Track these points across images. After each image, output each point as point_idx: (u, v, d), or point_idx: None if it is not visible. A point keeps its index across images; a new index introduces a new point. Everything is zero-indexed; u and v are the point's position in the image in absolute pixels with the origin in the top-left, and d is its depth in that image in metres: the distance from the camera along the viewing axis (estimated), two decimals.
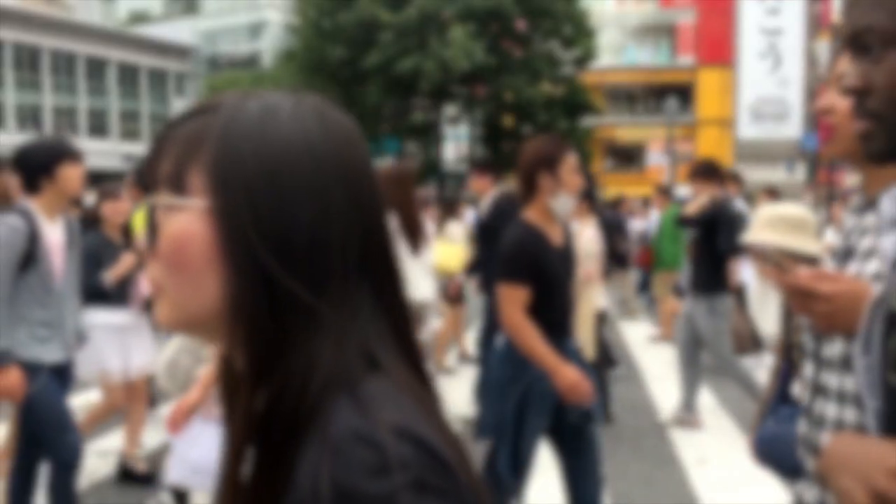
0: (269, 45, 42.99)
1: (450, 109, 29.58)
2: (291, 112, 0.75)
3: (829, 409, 1.59)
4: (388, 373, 0.70)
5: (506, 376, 3.16)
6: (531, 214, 3.18)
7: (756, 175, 23.79)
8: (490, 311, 6.09)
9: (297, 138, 0.73)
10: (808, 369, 1.82)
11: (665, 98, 29.17)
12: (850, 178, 30.19)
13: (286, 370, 0.69)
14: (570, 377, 2.99)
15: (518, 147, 23.27)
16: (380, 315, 0.74)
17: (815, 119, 31.53)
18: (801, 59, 31.57)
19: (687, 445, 5.41)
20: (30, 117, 37.62)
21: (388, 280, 0.77)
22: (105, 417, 4.82)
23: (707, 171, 5.80)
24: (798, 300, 1.51)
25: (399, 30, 25.71)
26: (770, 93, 31.76)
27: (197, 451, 3.86)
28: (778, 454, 2.87)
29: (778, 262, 1.56)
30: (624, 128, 35.02)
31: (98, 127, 40.27)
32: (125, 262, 4.70)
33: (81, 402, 5.64)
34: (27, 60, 37.62)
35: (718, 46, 32.82)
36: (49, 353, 3.43)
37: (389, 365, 0.71)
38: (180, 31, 47.07)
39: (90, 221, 4.84)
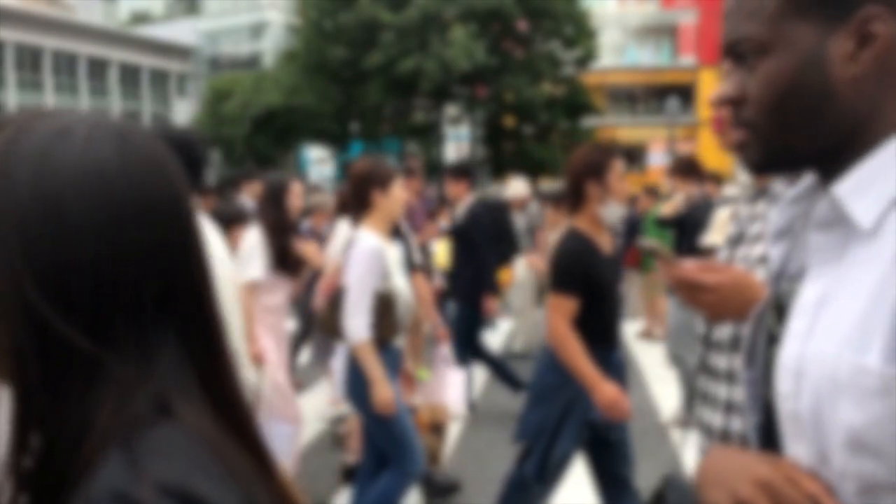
0: (271, 46, 43.00)
1: (451, 110, 29.58)
2: (86, 136, 0.68)
3: (721, 391, 1.66)
4: (182, 423, 0.65)
5: (552, 383, 3.15)
6: (581, 223, 3.17)
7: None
8: (460, 318, 6.11)
9: (87, 166, 0.66)
10: (700, 352, 1.91)
11: (666, 98, 29.17)
12: None
13: (59, 423, 0.63)
14: (608, 394, 2.97)
15: (519, 147, 23.30)
16: (186, 362, 0.69)
17: None
18: None
19: (689, 446, 5.40)
20: None
21: (199, 324, 0.71)
22: None
23: (685, 168, 5.78)
24: (685, 292, 1.58)
25: (400, 30, 25.71)
26: None
27: None
28: None
29: (664, 257, 1.61)
30: (625, 128, 35.00)
31: None
32: None
33: None
34: (29, 61, 37.66)
35: (719, 47, 32.78)
36: None
37: (186, 414, 0.66)
38: (182, 31, 47.10)
39: None
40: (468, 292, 6.00)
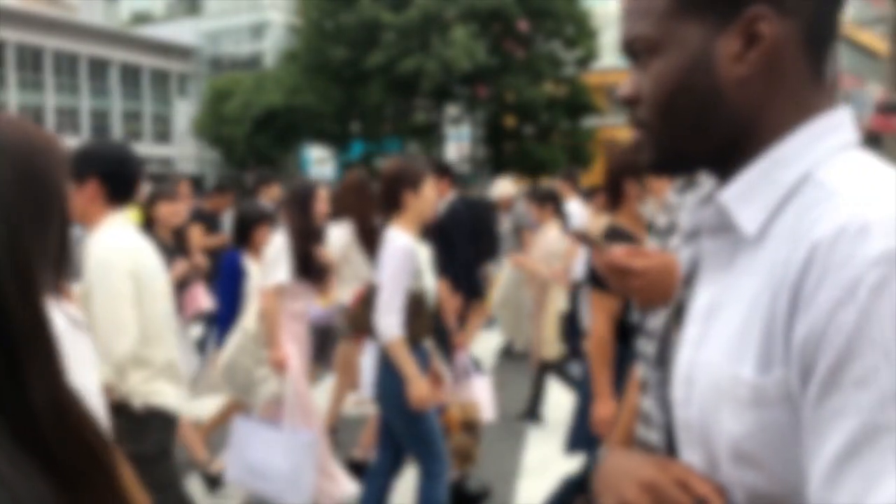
0: (272, 46, 43.01)
1: (452, 110, 29.59)
2: None
3: (651, 377, 1.67)
4: None
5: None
6: (622, 220, 3.17)
7: None
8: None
9: None
10: (638, 342, 1.94)
11: None
12: None
13: None
14: (603, 412, 2.96)
15: (520, 147, 23.41)
16: None
17: None
18: None
19: None
20: (32, 118, 37.67)
21: (13, 375, 0.68)
22: None
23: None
24: (614, 277, 1.61)
25: (401, 30, 25.72)
26: None
27: (252, 452, 3.84)
28: None
29: (595, 243, 1.63)
30: (626, 128, 34.91)
31: (100, 127, 40.31)
32: (178, 268, 4.65)
33: None
34: (30, 61, 37.67)
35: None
36: None
37: None
38: (182, 31, 47.11)
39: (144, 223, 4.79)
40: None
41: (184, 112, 43.55)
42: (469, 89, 27.56)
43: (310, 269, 4.14)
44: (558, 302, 5.68)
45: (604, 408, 2.96)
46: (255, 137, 30.23)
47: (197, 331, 6.60)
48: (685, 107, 0.87)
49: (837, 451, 0.71)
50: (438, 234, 6.01)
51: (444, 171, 6.20)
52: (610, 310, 3.01)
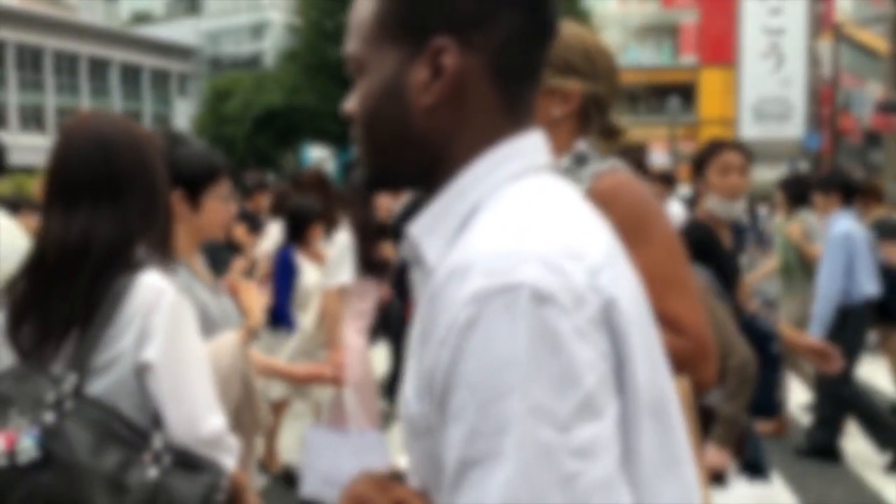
0: (271, 46, 43.01)
1: None
2: None
3: None
4: None
5: None
6: (700, 215, 3.18)
7: (758, 175, 23.74)
8: (397, 315, 6.01)
9: None
10: None
11: (667, 98, 29.16)
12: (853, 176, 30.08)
13: None
14: None
15: None
16: None
17: (818, 119, 31.49)
18: (804, 59, 31.53)
19: None
20: (32, 118, 37.67)
21: None
22: None
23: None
24: None
25: None
26: (772, 93, 31.73)
27: (326, 461, 3.76)
28: None
29: None
30: (626, 127, 34.90)
31: (64, 123, 40.28)
32: (238, 266, 4.64)
33: None
34: (30, 61, 37.67)
35: (721, 46, 32.79)
36: None
37: None
38: (182, 31, 47.11)
39: None
40: (401, 289, 5.90)
41: (184, 112, 43.54)
42: None
43: (373, 265, 4.05)
44: None
45: None
46: (255, 137, 30.22)
47: None
48: (380, 130, 0.89)
49: (447, 484, 0.73)
50: (394, 233, 5.98)
51: None
52: None
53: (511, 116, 0.87)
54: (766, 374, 2.82)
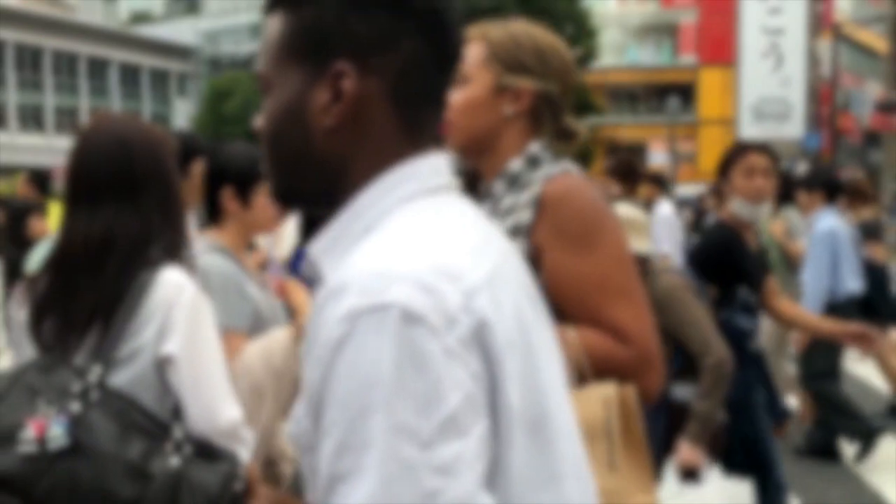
0: None
1: None
2: None
3: None
4: None
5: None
6: (725, 217, 3.18)
7: None
8: None
9: None
10: None
11: (667, 98, 29.18)
12: (855, 177, 30.08)
13: None
14: None
15: None
16: None
17: (818, 119, 31.51)
18: (803, 59, 31.52)
19: None
20: (31, 117, 37.67)
21: None
22: None
23: (624, 171, 5.28)
24: None
25: None
26: (772, 92, 31.72)
27: None
28: None
29: None
30: (626, 127, 34.98)
31: (83, 125, 40.30)
32: (253, 259, 4.61)
33: None
34: (29, 61, 37.67)
35: (720, 46, 32.77)
36: None
37: None
38: (182, 31, 47.11)
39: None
40: None
41: (183, 112, 43.54)
42: None
43: None
44: None
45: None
46: (254, 137, 30.18)
47: None
48: (283, 149, 0.91)
49: (319, 499, 0.76)
50: None
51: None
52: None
53: (410, 139, 0.89)
54: (743, 372, 2.83)
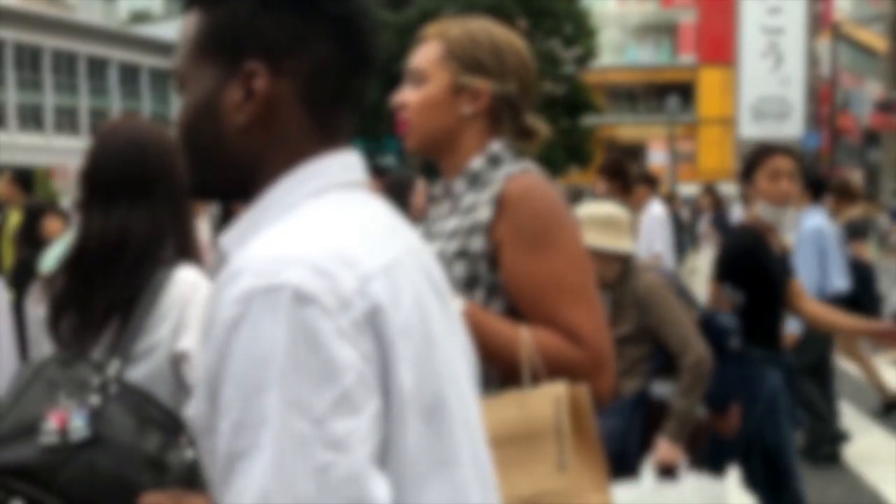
0: None
1: None
2: None
3: None
4: None
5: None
6: (748, 220, 3.17)
7: None
8: None
9: None
10: None
11: (666, 97, 29.20)
12: (852, 177, 30.10)
13: None
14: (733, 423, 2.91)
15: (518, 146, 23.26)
16: None
17: (817, 118, 31.52)
18: (803, 59, 31.55)
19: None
20: (31, 117, 37.68)
21: None
22: None
23: (613, 170, 5.31)
24: None
25: (400, 28, 25.72)
26: (771, 92, 31.75)
27: None
28: None
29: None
30: (625, 127, 35.00)
31: (100, 127, 40.30)
32: None
33: None
34: (28, 60, 37.65)
35: (719, 45, 32.81)
36: None
37: None
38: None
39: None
40: None
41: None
42: None
43: None
44: None
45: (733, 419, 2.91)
46: None
47: None
48: (197, 145, 0.94)
49: (218, 478, 0.78)
50: None
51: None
52: (728, 305, 3.00)
53: (321, 138, 0.92)
54: (724, 370, 2.85)
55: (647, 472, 2.73)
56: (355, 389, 0.76)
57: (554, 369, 1.42)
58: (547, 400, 1.39)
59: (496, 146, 1.60)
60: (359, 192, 0.93)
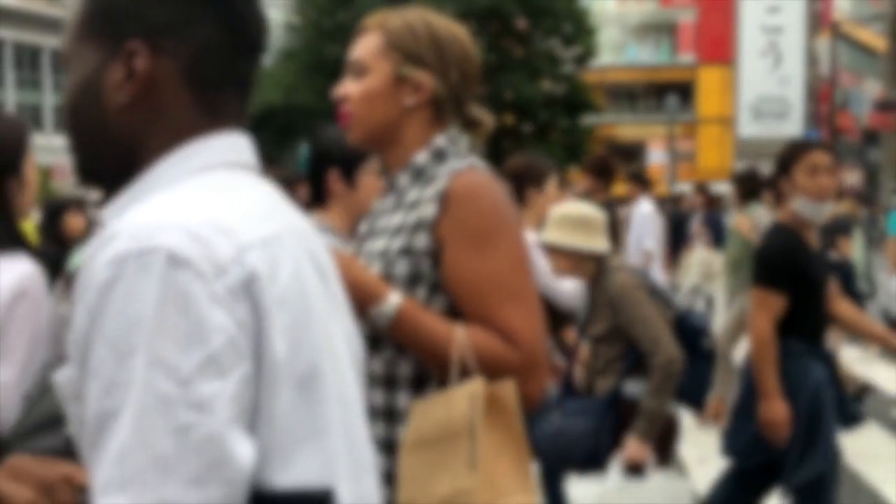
0: (270, 44, 43.01)
1: None
2: None
3: (377, 397, 1.52)
4: None
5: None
6: (783, 218, 3.12)
7: None
8: None
9: None
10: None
11: (666, 96, 29.17)
12: (852, 176, 30.14)
13: None
14: (776, 413, 2.87)
15: (518, 145, 23.49)
16: None
17: (816, 118, 31.51)
18: (802, 58, 31.53)
19: (688, 444, 5.40)
20: (30, 116, 37.69)
21: None
22: None
23: (600, 169, 5.29)
24: None
25: None
26: (770, 91, 31.74)
27: None
28: (563, 448, 2.92)
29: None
30: (625, 126, 34.98)
31: None
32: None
33: None
34: (28, 60, 37.66)
35: (719, 44, 32.79)
36: None
37: None
38: None
39: None
40: None
41: None
42: None
43: None
44: None
45: (775, 408, 2.87)
46: (253, 135, 30.07)
47: None
48: (80, 126, 0.94)
49: (88, 440, 0.78)
50: None
51: None
52: (774, 309, 2.94)
53: (206, 119, 0.92)
54: (696, 369, 2.85)
55: (614, 469, 2.75)
56: (224, 353, 0.77)
57: (487, 369, 1.41)
58: (462, 398, 1.38)
59: (440, 140, 1.57)
60: (246, 174, 0.94)
